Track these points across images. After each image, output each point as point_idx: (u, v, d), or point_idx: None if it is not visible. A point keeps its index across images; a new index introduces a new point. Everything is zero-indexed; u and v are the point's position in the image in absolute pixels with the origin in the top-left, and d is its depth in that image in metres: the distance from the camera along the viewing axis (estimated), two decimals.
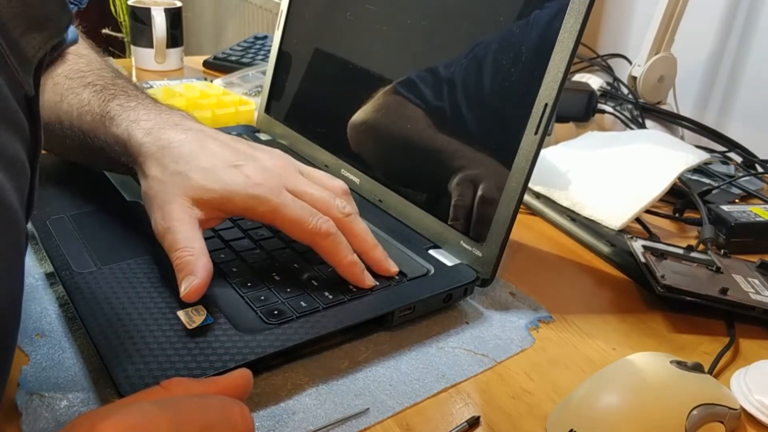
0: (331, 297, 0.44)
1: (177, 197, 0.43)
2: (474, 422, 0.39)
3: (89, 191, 0.56)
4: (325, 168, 0.64)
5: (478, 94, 0.51)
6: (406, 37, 0.58)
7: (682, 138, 0.89)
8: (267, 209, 0.43)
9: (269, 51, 0.87)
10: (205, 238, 0.49)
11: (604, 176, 0.68)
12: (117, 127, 0.47)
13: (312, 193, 0.45)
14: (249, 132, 0.74)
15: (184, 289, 0.40)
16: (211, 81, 0.96)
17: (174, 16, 1.04)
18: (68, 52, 0.56)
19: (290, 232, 0.44)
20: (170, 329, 0.39)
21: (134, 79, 1.01)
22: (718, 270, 0.53)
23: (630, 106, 0.92)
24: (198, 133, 0.46)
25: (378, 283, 0.46)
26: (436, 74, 0.54)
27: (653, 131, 0.84)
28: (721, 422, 0.38)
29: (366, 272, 0.46)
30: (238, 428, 0.25)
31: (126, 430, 0.22)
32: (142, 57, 1.05)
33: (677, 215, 0.69)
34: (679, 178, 0.67)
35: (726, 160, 0.83)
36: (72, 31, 0.57)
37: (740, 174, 0.79)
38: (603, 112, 0.90)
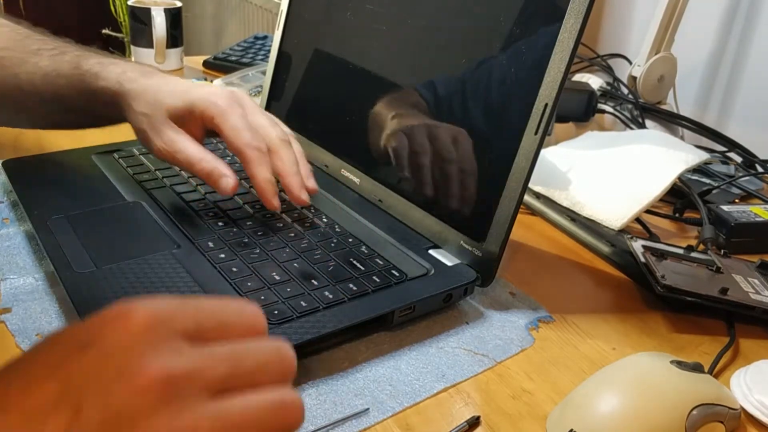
0: (331, 297, 0.44)
1: (164, 123, 0.52)
2: (474, 422, 0.39)
3: (89, 191, 0.56)
4: (325, 168, 0.64)
5: (478, 94, 0.51)
6: (406, 37, 0.58)
7: (682, 138, 0.89)
8: (218, 112, 0.52)
9: (269, 51, 0.87)
10: (204, 238, 0.50)
11: (604, 176, 0.68)
12: (105, 81, 0.55)
13: (258, 117, 0.54)
14: None
15: (224, 188, 0.50)
16: (211, 81, 0.96)
17: (174, 16, 1.04)
18: None
19: (229, 138, 0.51)
20: None
21: None
22: (718, 270, 0.53)
23: (630, 106, 0.92)
24: (170, 76, 0.56)
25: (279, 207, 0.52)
26: (436, 74, 0.54)
27: (653, 131, 0.84)
28: (721, 422, 0.38)
29: (276, 196, 0.52)
30: (254, 325, 0.26)
31: (155, 314, 0.23)
32: (142, 57, 1.05)
33: (677, 215, 0.69)
34: (679, 178, 0.67)
35: (726, 160, 0.83)
36: None
37: (740, 174, 0.79)
38: (603, 112, 0.90)
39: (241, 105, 0.53)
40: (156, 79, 0.54)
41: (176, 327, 0.24)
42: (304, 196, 0.53)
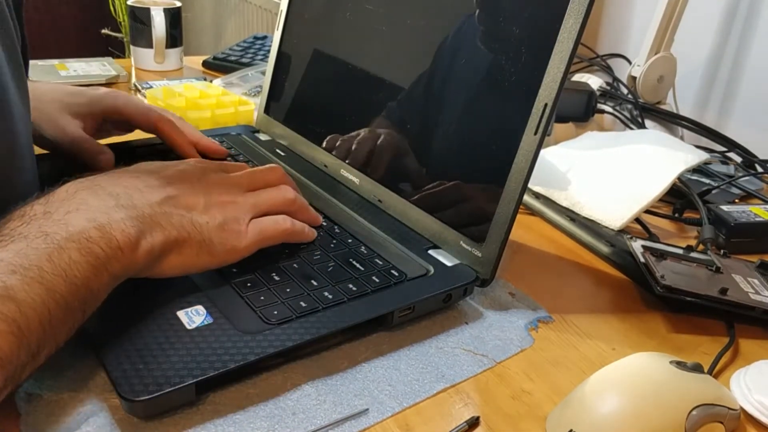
0: (330, 297, 0.44)
1: (61, 115, 0.57)
2: (473, 423, 0.39)
3: None
4: (324, 168, 0.64)
5: (478, 94, 0.51)
6: (406, 37, 0.58)
7: (681, 138, 0.89)
8: (122, 103, 0.60)
9: (269, 51, 0.87)
10: None
11: (603, 176, 0.68)
12: None
13: (145, 102, 0.62)
14: (248, 132, 0.74)
15: (105, 161, 0.56)
16: (211, 81, 0.96)
17: (173, 16, 1.04)
18: None
19: (142, 119, 0.60)
20: (170, 329, 0.39)
21: (134, 79, 1.01)
22: (717, 270, 0.53)
23: (630, 106, 0.92)
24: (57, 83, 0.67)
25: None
26: (436, 74, 0.54)
27: (653, 131, 0.84)
28: (721, 422, 0.38)
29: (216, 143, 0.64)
30: (275, 179, 0.49)
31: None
32: (141, 57, 1.05)
33: (677, 215, 0.69)
34: (678, 178, 0.67)
35: (726, 160, 0.83)
36: None
37: (740, 174, 0.79)
38: (602, 112, 0.90)
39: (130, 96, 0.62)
40: (40, 83, 0.59)
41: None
42: (222, 148, 0.63)
